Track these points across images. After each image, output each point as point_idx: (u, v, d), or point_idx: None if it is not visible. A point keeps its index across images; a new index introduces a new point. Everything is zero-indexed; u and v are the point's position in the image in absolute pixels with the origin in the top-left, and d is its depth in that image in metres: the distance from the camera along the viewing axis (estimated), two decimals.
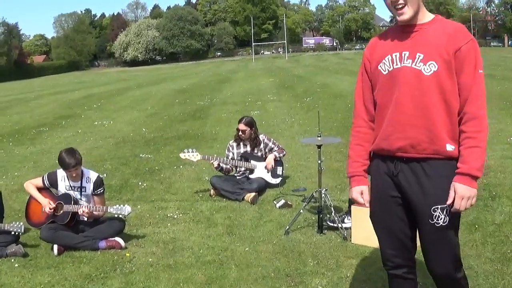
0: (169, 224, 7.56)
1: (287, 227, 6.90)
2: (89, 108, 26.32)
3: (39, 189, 7.09)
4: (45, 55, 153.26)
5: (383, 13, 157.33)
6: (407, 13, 3.39)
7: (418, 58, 3.39)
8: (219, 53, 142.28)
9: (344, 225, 6.69)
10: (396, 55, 3.48)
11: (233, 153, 9.20)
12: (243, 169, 9.13)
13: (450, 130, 3.41)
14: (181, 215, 7.96)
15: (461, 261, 3.69)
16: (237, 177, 9.12)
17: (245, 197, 8.43)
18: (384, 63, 3.53)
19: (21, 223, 6.65)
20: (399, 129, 3.45)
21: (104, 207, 6.91)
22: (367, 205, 3.73)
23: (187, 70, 77.66)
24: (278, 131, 15.05)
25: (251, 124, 9.08)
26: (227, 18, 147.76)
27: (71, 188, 6.98)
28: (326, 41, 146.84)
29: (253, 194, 8.40)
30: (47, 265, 6.27)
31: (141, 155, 12.83)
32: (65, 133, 17.87)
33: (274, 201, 8.22)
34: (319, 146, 6.95)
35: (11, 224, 6.63)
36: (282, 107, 21.28)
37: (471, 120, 3.36)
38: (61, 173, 7.01)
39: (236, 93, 29.56)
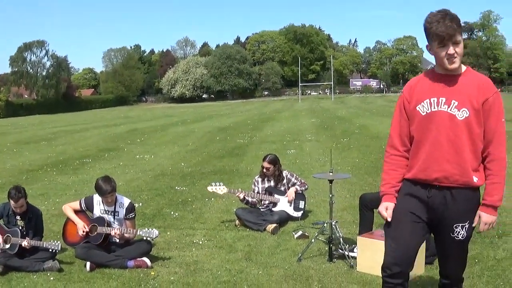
0: (193, 249, 8.18)
1: (300, 254, 7.47)
2: (132, 142, 27.23)
3: (76, 212, 7.83)
4: (93, 89, 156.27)
5: (431, 57, 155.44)
6: (457, 63, 4.17)
7: (453, 105, 4.18)
8: (266, 92, 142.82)
9: (351, 254, 7.22)
10: (434, 100, 4.25)
11: (258, 188, 9.81)
12: (267, 202, 9.71)
13: (475, 165, 4.23)
14: (206, 241, 8.57)
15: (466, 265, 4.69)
16: (261, 210, 9.69)
17: (266, 228, 8.99)
18: (423, 105, 4.29)
19: (58, 242, 7.37)
20: (435, 163, 4.22)
21: (135, 231, 7.58)
22: (389, 219, 4.44)
23: (234, 108, 78.68)
24: (310, 169, 15.50)
25: (274, 161, 9.70)
26: (275, 58, 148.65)
27: (106, 212, 7.70)
28: (373, 83, 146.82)
29: (274, 225, 8.97)
30: (79, 279, 6.96)
31: (176, 187, 13.49)
32: (107, 165, 18.69)
33: (293, 232, 8.76)
34: (330, 181, 7.53)
35: (49, 242, 7.35)
36: (318, 147, 21.77)
37: (495, 161, 4.23)
38: (97, 198, 7.74)
39: (276, 132, 30.21)
